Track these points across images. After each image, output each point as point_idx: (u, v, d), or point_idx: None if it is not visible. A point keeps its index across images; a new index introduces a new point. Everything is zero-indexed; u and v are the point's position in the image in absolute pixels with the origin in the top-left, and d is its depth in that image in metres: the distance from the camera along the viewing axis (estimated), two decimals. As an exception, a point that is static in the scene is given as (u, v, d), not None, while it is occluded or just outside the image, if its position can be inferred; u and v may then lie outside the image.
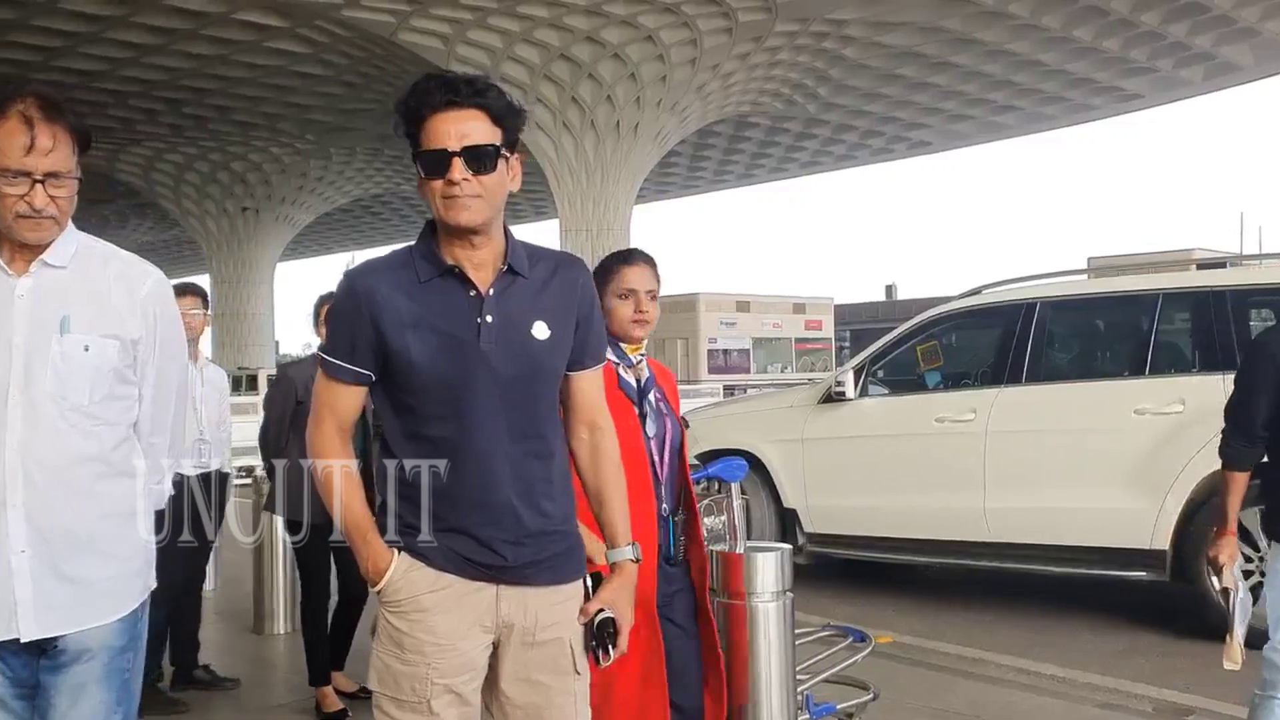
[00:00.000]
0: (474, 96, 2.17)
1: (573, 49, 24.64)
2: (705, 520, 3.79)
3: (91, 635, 2.29)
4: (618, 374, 3.14)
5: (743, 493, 7.44)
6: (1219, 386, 6.01)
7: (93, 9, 22.31)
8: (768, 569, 3.40)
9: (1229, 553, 3.50)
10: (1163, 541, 6.07)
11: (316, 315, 5.15)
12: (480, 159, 2.16)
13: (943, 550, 7.00)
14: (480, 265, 2.22)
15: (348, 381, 2.24)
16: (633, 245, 7.98)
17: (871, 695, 4.12)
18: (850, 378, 7.46)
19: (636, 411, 3.15)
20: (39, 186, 2.22)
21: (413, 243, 2.28)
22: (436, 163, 2.16)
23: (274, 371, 25.34)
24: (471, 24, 23.70)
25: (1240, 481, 3.55)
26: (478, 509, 2.19)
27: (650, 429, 3.17)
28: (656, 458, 3.16)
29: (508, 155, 2.21)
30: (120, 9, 22.30)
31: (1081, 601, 7.02)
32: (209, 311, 5.62)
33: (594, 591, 2.34)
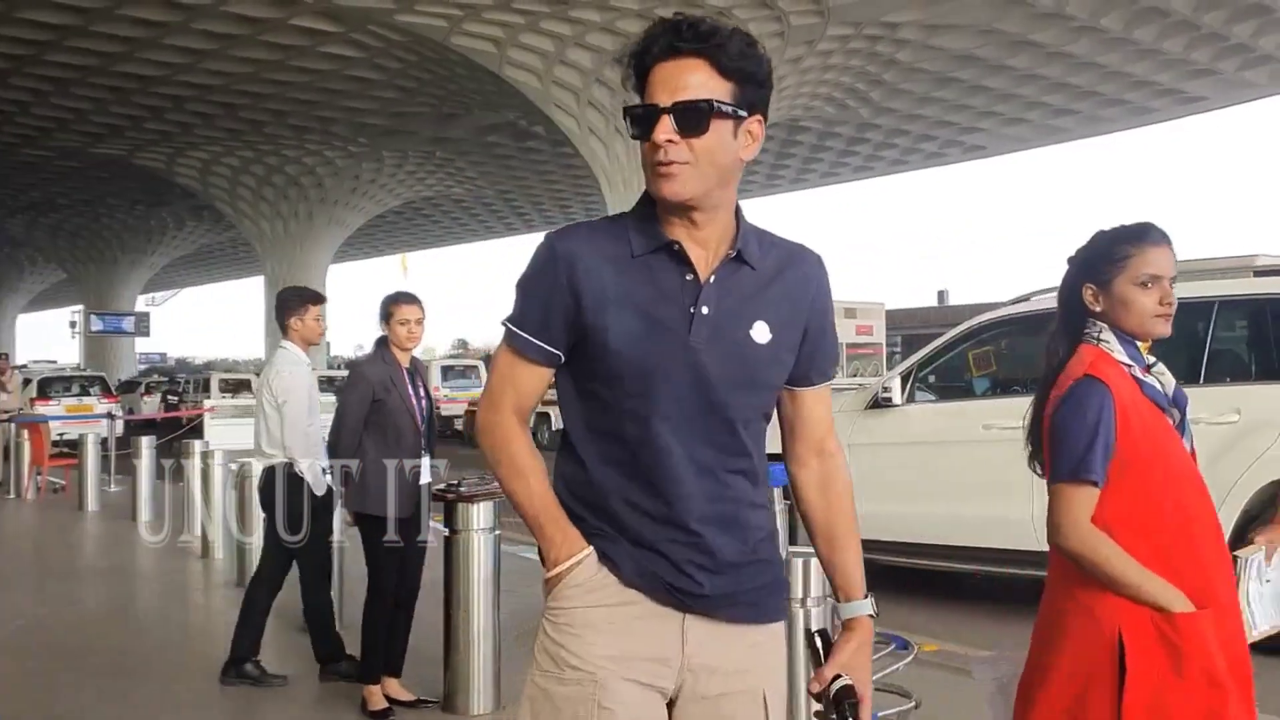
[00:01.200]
0: (696, 40, 1.81)
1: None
2: None
3: None
4: (1137, 379, 2.54)
5: (785, 498, 7.37)
6: (1277, 396, 5.81)
7: (152, 14, 22.66)
8: (812, 574, 3.32)
9: (1268, 536, 3.19)
10: None
11: (385, 315, 5.12)
12: (692, 117, 1.79)
13: (991, 558, 6.88)
14: (703, 245, 1.89)
15: (535, 360, 1.92)
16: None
17: (914, 704, 4.04)
18: (897, 383, 7.37)
19: (1172, 424, 2.54)
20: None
21: (627, 211, 1.96)
22: (642, 121, 1.83)
23: (330, 372, 25.69)
24: (524, 28, 23.79)
25: None
26: (666, 525, 1.89)
27: (1187, 444, 2.57)
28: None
29: (736, 115, 1.83)
30: (178, 15, 22.64)
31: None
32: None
33: (824, 654, 1.96)
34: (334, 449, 5.06)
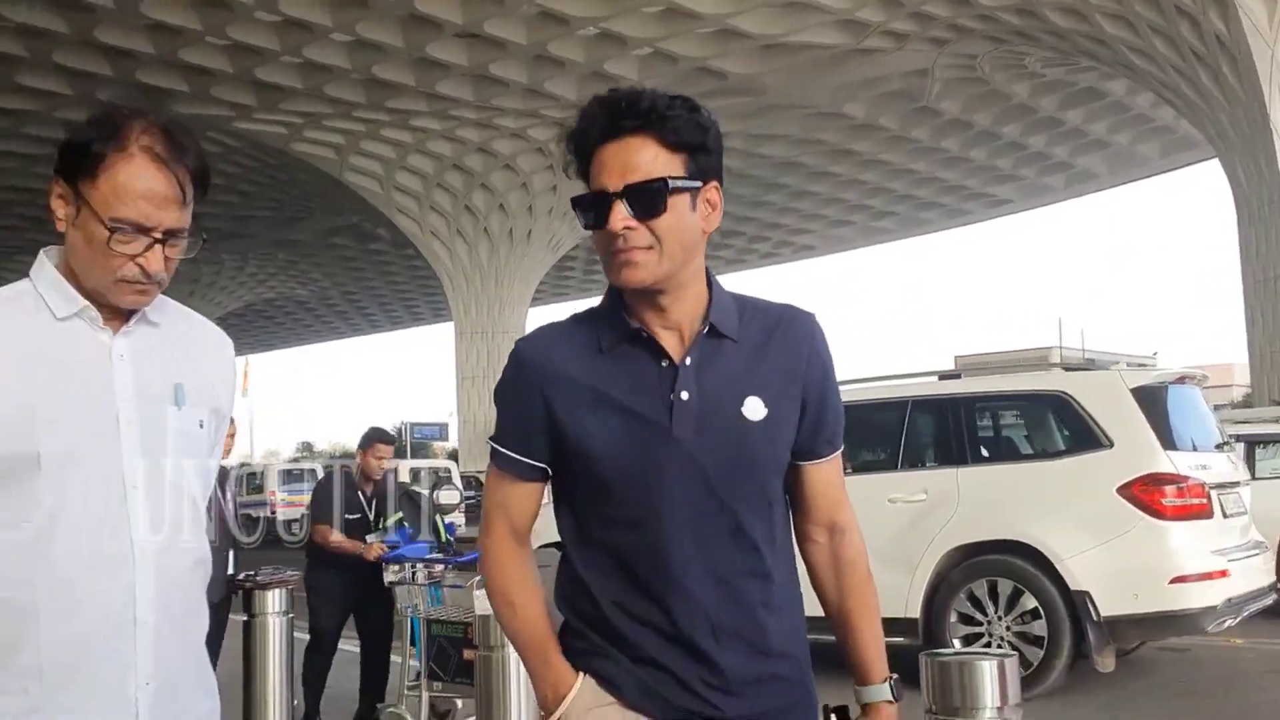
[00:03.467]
0: (636, 118, 1.67)
1: (465, 159, 25.35)
2: None
3: None
4: None
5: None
6: (952, 477, 6.98)
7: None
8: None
9: None
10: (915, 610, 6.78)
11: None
12: (647, 199, 1.66)
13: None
14: (673, 328, 1.75)
15: (522, 477, 1.80)
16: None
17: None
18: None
19: None
20: (158, 247, 1.72)
21: (595, 306, 1.83)
22: (593, 208, 1.69)
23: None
24: (364, 135, 24.29)
25: None
26: (672, 642, 1.72)
27: None
28: None
29: (691, 188, 1.69)
30: (6, 121, 22.38)
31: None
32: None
33: None
34: None
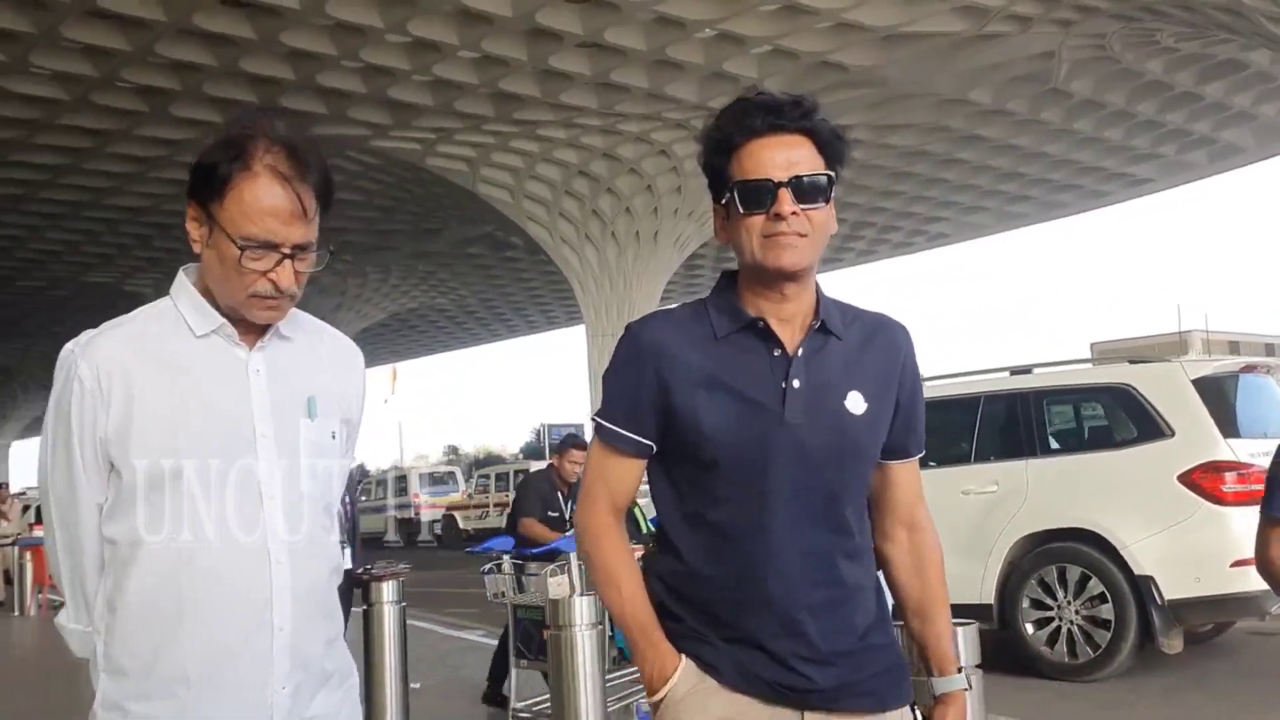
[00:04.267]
0: (801, 119, 1.85)
1: (591, 165, 25.86)
2: None
3: None
4: None
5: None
6: (1021, 469, 7.38)
7: (139, 151, 23.85)
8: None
9: None
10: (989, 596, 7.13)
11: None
12: (811, 191, 1.83)
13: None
14: (788, 320, 1.88)
15: (627, 452, 1.89)
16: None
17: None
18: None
19: None
20: (287, 263, 1.81)
21: (707, 294, 1.97)
22: (759, 194, 1.82)
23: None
24: (494, 147, 25.01)
25: None
26: (768, 616, 1.81)
27: None
28: None
29: (832, 192, 1.88)
30: (164, 150, 23.81)
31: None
32: None
33: None
34: None
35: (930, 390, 8.00)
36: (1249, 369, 7.30)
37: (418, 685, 6.91)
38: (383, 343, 52.83)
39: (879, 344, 1.94)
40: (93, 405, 1.74)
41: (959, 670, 1.98)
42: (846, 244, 38.16)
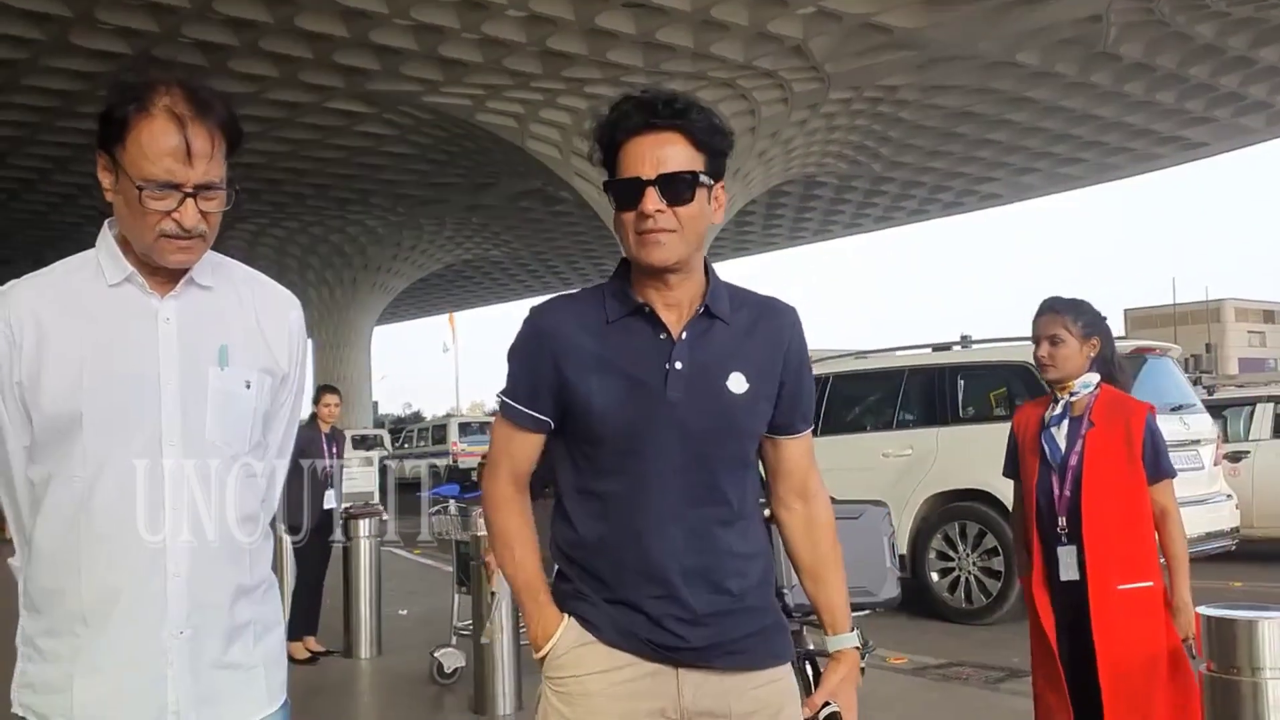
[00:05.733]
0: (672, 117, 1.94)
1: (638, 122, 26.17)
2: None
3: None
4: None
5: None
6: (932, 436, 8.43)
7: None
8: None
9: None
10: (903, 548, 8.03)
11: (315, 399, 7.19)
12: (677, 188, 1.92)
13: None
14: (673, 305, 2.00)
15: (527, 428, 2.03)
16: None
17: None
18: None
19: None
20: (190, 201, 1.80)
21: (605, 281, 2.07)
22: (628, 193, 1.93)
23: (371, 431, 27.00)
24: (542, 104, 25.44)
25: None
26: (647, 580, 1.95)
27: None
28: None
29: (709, 184, 1.97)
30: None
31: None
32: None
33: (815, 681, 2.14)
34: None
35: (864, 363, 9.24)
36: (1141, 351, 8.14)
37: (405, 612, 7.93)
38: (439, 292, 53.72)
39: (765, 327, 2.03)
40: (9, 352, 1.80)
41: (852, 629, 2.12)
42: (897, 203, 38.15)
